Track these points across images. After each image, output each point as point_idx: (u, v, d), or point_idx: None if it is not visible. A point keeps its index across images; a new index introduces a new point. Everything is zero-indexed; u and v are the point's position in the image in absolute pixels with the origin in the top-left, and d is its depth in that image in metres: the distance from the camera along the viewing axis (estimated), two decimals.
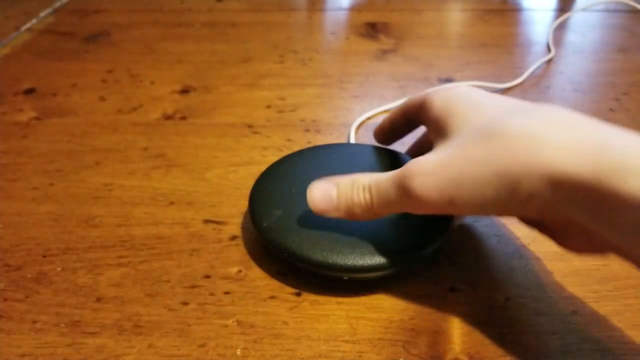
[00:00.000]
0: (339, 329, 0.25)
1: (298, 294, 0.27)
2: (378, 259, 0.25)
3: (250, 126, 0.41)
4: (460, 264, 0.28)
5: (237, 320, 0.25)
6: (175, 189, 0.34)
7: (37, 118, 0.42)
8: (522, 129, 0.21)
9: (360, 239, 0.26)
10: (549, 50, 0.53)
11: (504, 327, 0.25)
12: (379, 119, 0.34)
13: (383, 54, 0.53)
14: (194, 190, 0.34)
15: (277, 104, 0.44)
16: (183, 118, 0.42)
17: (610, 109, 0.43)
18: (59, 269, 0.28)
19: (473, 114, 0.24)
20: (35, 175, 0.36)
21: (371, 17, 0.62)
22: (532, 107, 0.22)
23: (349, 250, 0.25)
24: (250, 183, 0.30)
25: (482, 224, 0.31)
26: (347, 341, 0.24)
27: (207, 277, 0.28)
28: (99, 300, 0.26)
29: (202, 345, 0.24)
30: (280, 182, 0.30)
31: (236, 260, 0.29)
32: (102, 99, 0.45)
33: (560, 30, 0.58)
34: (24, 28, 0.59)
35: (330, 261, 0.25)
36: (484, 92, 0.26)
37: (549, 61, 0.51)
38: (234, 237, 0.30)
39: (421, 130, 0.31)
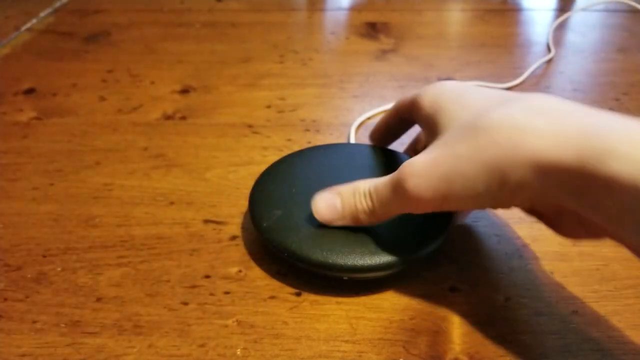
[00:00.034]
0: (339, 329, 0.25)
1: (298, 294, 0.27)
2: (378, 259, 0.25)
3: (250, 126, 0.41)
4: (460, 264, 0.28)
5: (237, 320, 0.25)
6: (175, 189, 0.34)
7: (37, 118, 0.42)
8: (505, 120, 0.21)
9: (360, 239, 0.26)
10: (549, 50, 0.53)
11: (504, 327, 0.25)
12: (379, 119, 0.34)
13: (383, 54, 0.53)
14: (194, 190, 0.34)
15: (277, 104, 0.44)
16: (183, 118, 0.42)
17: (610, 109, 0.43)
18: (59, 269, 0.28)
19: (460, 110, 0.24)
20: (35, 175, 0.36)
21: (371, 17, 0.62)
22: (519, 97, 0.22)
23: (349, 250, 0.25)
24: (250, 183, 0.30)
25: (482, 224, 0.31)
26: (347, 341, 0.24)
27: (207, 277, 0.28)
28: (99, 300, 0.26)
29: (202, 345, 0.24)
30: (280, 182, 0.30)
31: (236, 260, 0.29)
32: (102, 99, 0.45)
33: (560, 30, 0.58)
34: (24, 28, 0.59)
35: (330, 261, 0.25)
36: (472, 85, 0.26)
37: (549, 61, 0.51)
38: (234, 237, 0.30)
39: (418, 128, 0.31)
